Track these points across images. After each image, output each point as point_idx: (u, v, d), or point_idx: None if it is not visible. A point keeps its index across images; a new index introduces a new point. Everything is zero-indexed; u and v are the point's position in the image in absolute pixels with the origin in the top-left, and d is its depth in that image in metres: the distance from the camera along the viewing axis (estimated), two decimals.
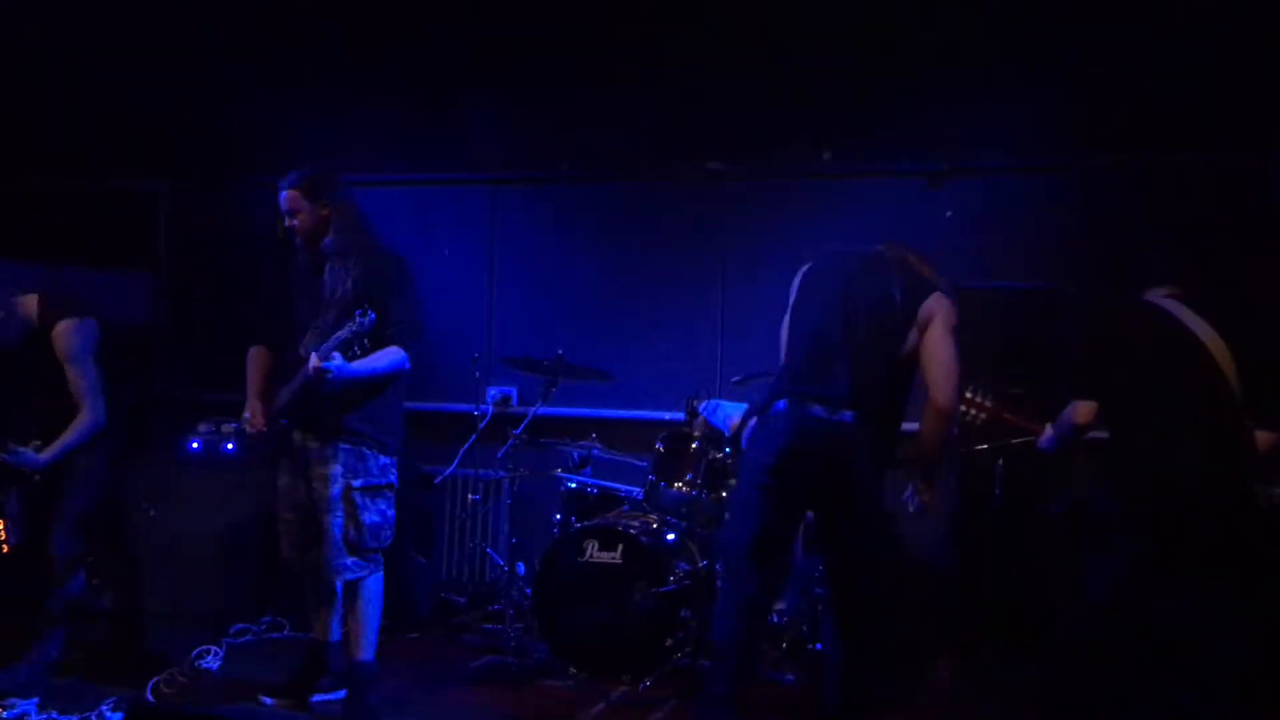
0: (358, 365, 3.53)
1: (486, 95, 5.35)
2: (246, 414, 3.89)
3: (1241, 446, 3.41)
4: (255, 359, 4.00)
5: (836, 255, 3.62)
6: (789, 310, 3.59)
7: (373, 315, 3.44)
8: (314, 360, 3.43)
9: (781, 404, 3.40)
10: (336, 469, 3.63)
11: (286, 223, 3.74)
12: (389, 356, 3.64)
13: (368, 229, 3.78)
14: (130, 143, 6.07)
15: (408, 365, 3.70)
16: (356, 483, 3.64)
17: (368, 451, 3.67)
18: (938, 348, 3.33)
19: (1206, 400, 3.40)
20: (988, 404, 4.05)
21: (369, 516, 3.66)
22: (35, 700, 3.73)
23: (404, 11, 4.63)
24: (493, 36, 4.81)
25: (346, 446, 3.64)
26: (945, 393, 3.31)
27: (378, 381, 3.65)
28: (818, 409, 3.32)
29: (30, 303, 3.99)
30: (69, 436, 3.97)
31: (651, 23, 4.65)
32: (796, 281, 3.62)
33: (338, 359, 3.42)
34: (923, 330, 3.36)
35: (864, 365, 3.35)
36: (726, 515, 3.90)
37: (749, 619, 3.44)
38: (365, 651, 3.71)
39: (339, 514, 3.62)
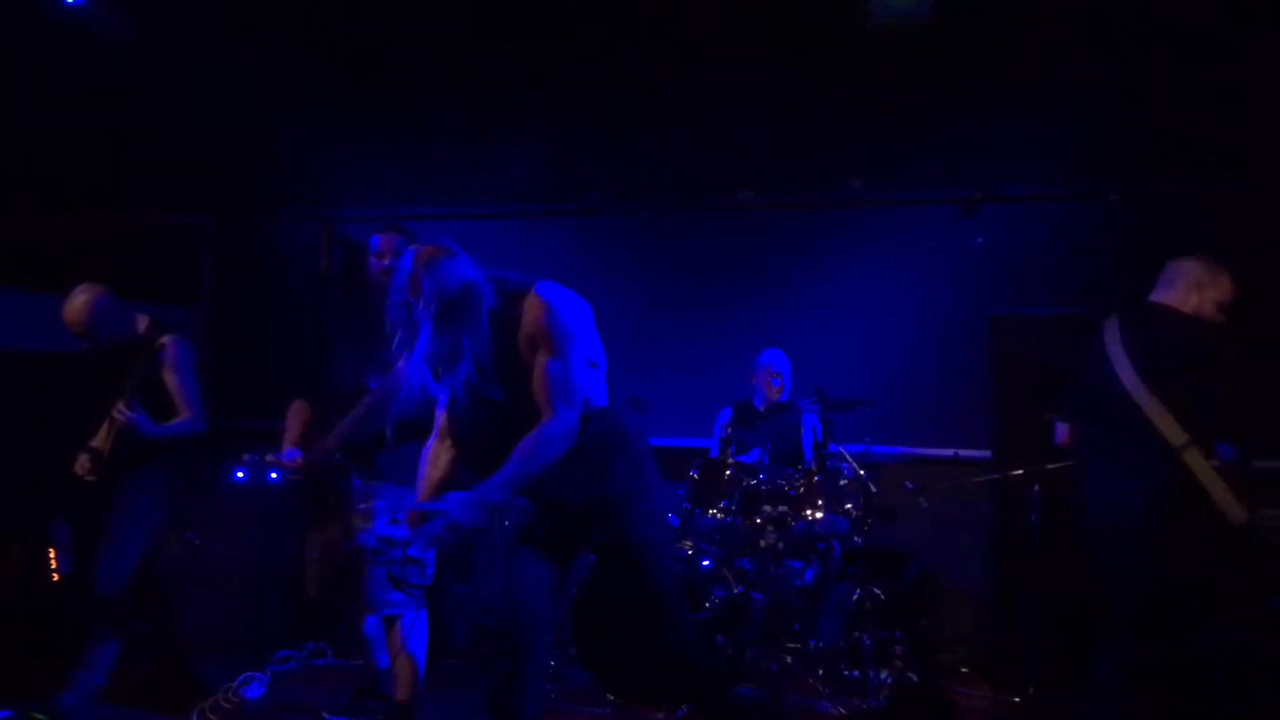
0: None
1: (521, 130, 5.44)
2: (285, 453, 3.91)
3: (1164, 479, 3.15)
4: (296, 411, 4.00)
5: None
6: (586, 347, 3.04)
7: None
8: None
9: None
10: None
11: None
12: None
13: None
14: (173, 178, 6.22)
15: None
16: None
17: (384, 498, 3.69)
18: None
19: (1120, 432, 3.26)
20: None
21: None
22: None
23: (441, 49, 4.74)
24: (527, 73, 4.91)
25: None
26: None
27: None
28: None
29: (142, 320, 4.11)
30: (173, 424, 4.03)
31: (681, 54, 4.73)
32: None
33: None
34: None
35: None
36: (669, 563, 3.26)
37: None
38: (400, 689, 3.69)
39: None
